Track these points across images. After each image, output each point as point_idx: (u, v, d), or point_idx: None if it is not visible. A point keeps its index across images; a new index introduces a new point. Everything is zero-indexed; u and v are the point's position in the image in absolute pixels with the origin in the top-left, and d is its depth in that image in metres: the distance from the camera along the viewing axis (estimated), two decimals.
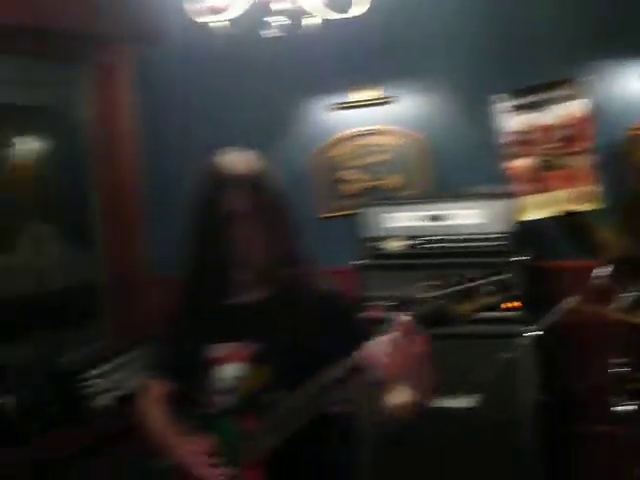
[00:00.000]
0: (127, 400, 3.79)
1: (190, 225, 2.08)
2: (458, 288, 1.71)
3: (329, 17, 3.28)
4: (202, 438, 2.07)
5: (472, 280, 1.70)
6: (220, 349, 2.04)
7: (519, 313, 3.23)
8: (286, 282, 2.03)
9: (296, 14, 3.26)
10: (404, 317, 1.76)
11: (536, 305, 3.23)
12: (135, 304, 4.46)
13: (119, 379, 3.79)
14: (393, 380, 1.83)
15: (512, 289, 1.72)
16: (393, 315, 1.81)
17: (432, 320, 1.74)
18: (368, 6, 3.25)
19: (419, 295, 1.77)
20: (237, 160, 2.06)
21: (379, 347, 1.75)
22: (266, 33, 3.29)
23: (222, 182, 2.01)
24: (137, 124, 4.45)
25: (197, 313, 2.09)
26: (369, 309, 3.28)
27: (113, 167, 4.47)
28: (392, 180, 3.96)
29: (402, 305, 3.33)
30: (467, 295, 1.70)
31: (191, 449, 2.06)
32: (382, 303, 3.42)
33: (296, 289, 2.03)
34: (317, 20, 3.28)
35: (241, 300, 2.07)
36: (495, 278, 1.70)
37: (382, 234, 3.55)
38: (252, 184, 2.00)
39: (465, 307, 1.71)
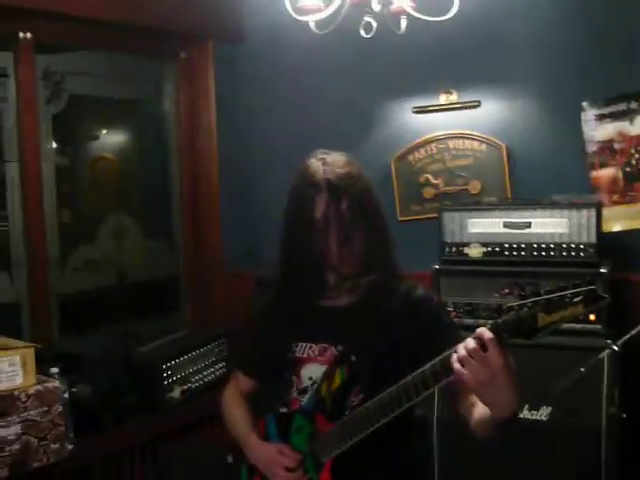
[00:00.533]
0: (202, 393, 3.84)
1: (284, 227, 2.07)
2: (546, 297, 1.63)
3: (419, 18, 3.25)
4: (280, 445, 2.08)
5: (563, 289, 1.64)
6: (305, 349, 2.05)
7: (600, 326, 3.17)
8: (378, 286, 2.02)
9: (390, 16, 3.25)
10: (486, 327, 1.70)
11: (617, 319, 3.17)
12: (212, 298, 4.52)
13: (195, 371, 3.83)
14: (472, 391, 1.79)
15: (600, 301, 1.64)
16: (478, 323, 1.78)
17: (515, 330, 1.67)
18: (457, 9, 3.21)
19: (505, 302, 1.71)
20: (332, 162, 2.02)
21: (463, 353, 1.70)
22: (364, 34, 3.28)
23: (317, 184, 1.98)
24: (219, 121, 4.49)
25: (286, 312, 2.09)
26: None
27: (194, 162, 4.54)
28: (472, 185, 3.93)
29: (485, 312, 3.34)
30: (554, 305, 1.63)
31: (268, 454, 2.08)
32: (462, 309, 3.40)
33: (387, 293, 2.02)
34: (405, 22, 3.27)
35: (332, 303, 2.07)
36: (585, 289, 1.63)
37: (462, 240, 3.52)
38: (349, 185, 1.98)
39: (551, 318, 1.63)
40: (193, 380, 3.81)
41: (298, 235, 2.01)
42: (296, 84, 4.32)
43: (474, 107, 3.92)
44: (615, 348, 2.78)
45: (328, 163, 2.01)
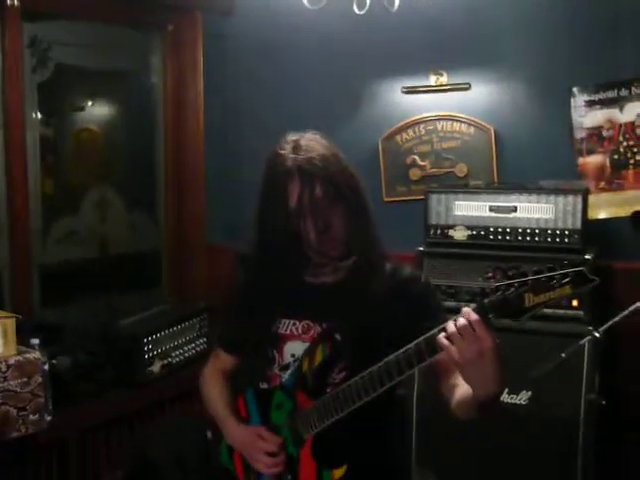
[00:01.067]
0: (183, 368, 3.84)
1: (259, 214, 2.02)
2: (534, 277, 1.63)
3: None
4: (259, 428, 2.09)
5: (551, 270, 1.62)
6: (288, 326, 2.04)
7: (582, 312, 3.19)
8: (363, 265, 2.00)
9: None
10: (471, 307, 1.70)
11: (600, 306, 3.18)
12: (193, 272, 4.51)
13: (176, 346, 3.82)
14: (457, 370, 1.79)
15: (589, 283, 1.63)
16: (462, 305, 1.77)
17: (502, 311, 1.66)
18: None
19: (489, 286, 1.70)
20: (304, 146, 1.95)
21: (450, 333, 1.69)
22: (357, 10, 3.25)
23: (289, 171, 1.91)
24: (206, 95, 4.46)
25: (268, 288, 2.06)
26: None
27: (180, 136, 4.51)
28: (459, 168, 3.92)
29: (468, 295, 3.35)
30: (542, 285, 1.62)
31: (248, 438, 2.09)
32: (445, 292, 3.41)
33: (372, 272, 2.00)
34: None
35: (316, 280, 2.05)
36: (573, 270, 1.61)
37: (447, 222, 3.51)
38: (323, 168, 1.92)
39: (538, 298, 1.62)
40: (173, 355, 3.80)
41: (274, 224, 1.95)
42: (286, 59, 4.28)
43: (464, 89, 3.90)
44: (596, 335, 2.79)
45: (299, 147, 1.94)
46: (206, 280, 4.48)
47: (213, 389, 2.28)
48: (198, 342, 3.98)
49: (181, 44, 4.43)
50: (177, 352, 3.83)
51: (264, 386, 2.11)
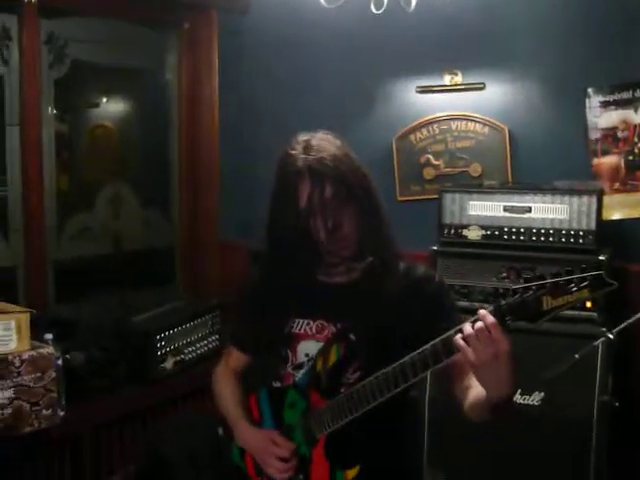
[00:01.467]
0: (195, 365, 3.85)
1: (270, 214, 2.02)
2: (553, 280, 1.63)
3: None
4: (272, 433, 2.08)
5: (569, 273, 1.62)
6: (302, 325, 2.04)
7: (596, 314, 3.18)
8: (376, 265, 1.99)
9: None
10: (488, 310, 1.69)
11: (614, 307, 3.17)
12: (207, 270, 4.52)
13: (189, 343, 3.83)
14: (472, 371, 1.78)
15: (607, 287, 1.63)
16: (478, 306, 1.76)
17: (519, 313, 1.67)
18: None
19: (502, 286, 1.70)
20: (314, 146, 1.94)
21: (466, 335, 1.69)
22: (374, 9, 3.25)
23: (299, 172, 1.91)
24: (221, 93, 4.47)
25: (281, 286, 2.06)
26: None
27: (194, 133, 4.52)
28: (473, 168, 3.91)
29: (481, 295, 3.34)
30: (561, 289, 1.62)
31: (261, 442, 2.09)
32: (459, 292, 3.40)
33: (386, 272, 1.99)
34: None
35: (330, 280, 2.05)
36: (592, 274, 1.61)
37: (461, 222, 3.51)
38: (334, 168, 1.91)
39: (556, 302, 1.63)
40: (186, 352, 3.81)
41: (284, 224, 1.95)
42: (301, 57, 4.28)
43: (479, 89, 3.89)
44: (610, 336, 2.78)
45: (310, 147, 1.94)
46: (219, 277, 4.49)
47: (225, 388, 2.28)
48: (210, 339, 3.99)
49: (197, 42, 4.44)
50: (190, 349, 3.84)
51: (277, 385, 2.11)
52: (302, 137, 1.99)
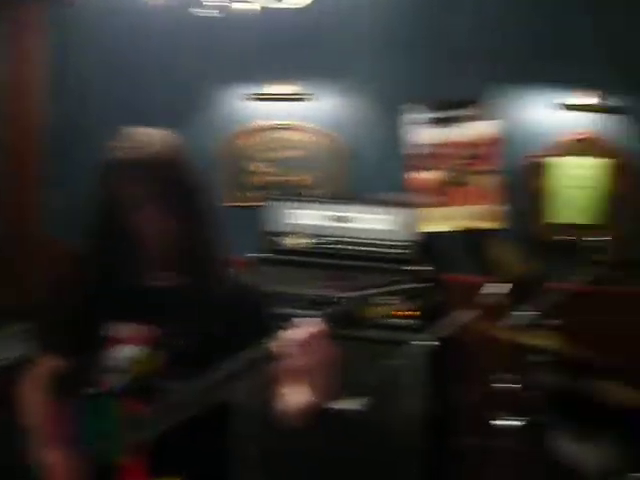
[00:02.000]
0: (7, 372, 3.66)
1: (92, 205, 1.93)
2: (373, 292, 1.68)
3: (265, 5, 3.23)
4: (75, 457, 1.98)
5: (390, 284, 1.68)
6: (119, 329, 1.96)
7: (415, 322, 3.27)
8: (198, 269, 1.96)
9: None
10: (314, 317, 1.71)
11: (432, 316, 3.27)
12: (27, 270, 4.32)
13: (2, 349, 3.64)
14: (294, 379, 1.78)
15: (420, 298, 1.70)
16: (301, 313, 1.77)
17: (343, 321, 1.70)
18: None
19: (333, 295, 1.74)
20: (140, 142, 1.88)
21: (287, 343, 1.70)
22: (198, 11, 3.21)
23: (122, 168, 1.84)
24: (46, 85, 4.32)
25: (102, 289, 1.98)
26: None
27: (18, 126, 4.36)
28: (301, 177, 3.95)
29: (303, 303, 3.36)
30: (380, 298, 1.68)
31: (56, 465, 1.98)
32: (280, 299, 3.41)
33: (207, 277, 1.96)
34: (253, 6, 3.23)
35: (150, 284, 1.98)
36: (408, 286, 1.69)
37: (284, 229, 3.53)
38: (156, 166, 1.85)
39: (375, 311, 1.69)
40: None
41: (104, 223, 1.89)
42: (130, 55, 4.16)
43: (310, 100, 3.95)
44: (431, 343, 2.87)
45: (136, 143, 1.87)
46: (42, 277, 4.28)
47: (32, 397, 2.16)
48: (18, 347, 3.79)
49: (22, 33, 4.29)
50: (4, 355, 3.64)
51: (93, 391, 2.02)
52: (127, 132, 1.92)
